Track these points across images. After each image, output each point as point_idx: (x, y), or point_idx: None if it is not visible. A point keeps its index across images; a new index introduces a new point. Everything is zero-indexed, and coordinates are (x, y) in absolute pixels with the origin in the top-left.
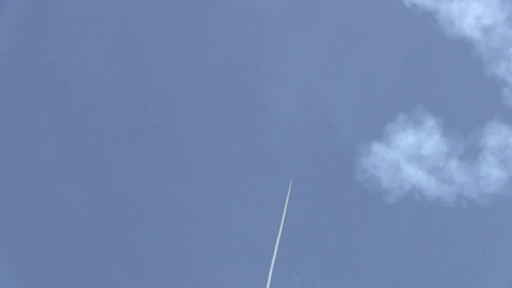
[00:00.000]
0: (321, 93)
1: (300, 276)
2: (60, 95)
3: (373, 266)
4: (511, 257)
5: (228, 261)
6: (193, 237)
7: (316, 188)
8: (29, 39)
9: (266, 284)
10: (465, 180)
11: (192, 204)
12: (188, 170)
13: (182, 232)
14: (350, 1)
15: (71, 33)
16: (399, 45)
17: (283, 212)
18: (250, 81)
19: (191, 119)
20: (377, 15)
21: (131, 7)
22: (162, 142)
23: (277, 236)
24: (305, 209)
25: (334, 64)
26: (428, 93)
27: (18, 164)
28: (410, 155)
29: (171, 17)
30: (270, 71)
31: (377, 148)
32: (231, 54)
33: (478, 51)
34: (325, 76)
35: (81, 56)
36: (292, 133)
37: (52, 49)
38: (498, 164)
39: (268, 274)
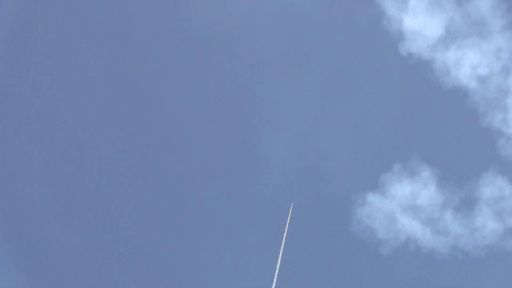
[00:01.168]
0: (317, 142)
1: None
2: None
3: None
4: None
5: None
6: (186, 285)
7: (311, 237)
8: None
9: None
10: (460, 231)
11: (184, 252)
12: (181, 217)
13: (174, 280)
14: (346, 50)
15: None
16: (394, 94)
17: (277, 261)
18: (245, 129)
19: (185, 166)
20: (373, 64)
21: (125, 47)
22: (154, 189)
23: (271, 286)
24: (300, 258)
25: (330, 113)
26: (423, 143)
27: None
28: (405, 205)
29: (167, 63)
30: (265, 119)
31: (373, 198)
32: (226, 101)
33: (473, 101)
34: (320, 125)
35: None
36: (287, 182)
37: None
38: (494, 216)
39: None
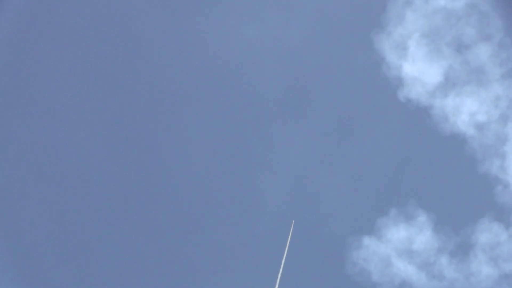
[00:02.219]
0: (314, 184)
1: None
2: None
3: None
4: None
5: None
6: None
7: (306, 278)
8: None
9: None
10: (455, 276)
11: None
12: (175, 257)
13: None
14: (345, 95)
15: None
16: (392, 139)
17: None
18: (241, 170)
19: (181, 206)
20: (372, 109)
21: (122, 91)
22: (150, 229)
23: None
24: None
25: (327, 156)
26: (420, 188)
27: None
28: (401, 249)
29: (161, 103)
30: (261, 161)
31: (368, 241)
32: (223, 142)
33: (471, 148)
34: (317, 168)
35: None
36: (283, 224)
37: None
38: (489, 261)
39: None
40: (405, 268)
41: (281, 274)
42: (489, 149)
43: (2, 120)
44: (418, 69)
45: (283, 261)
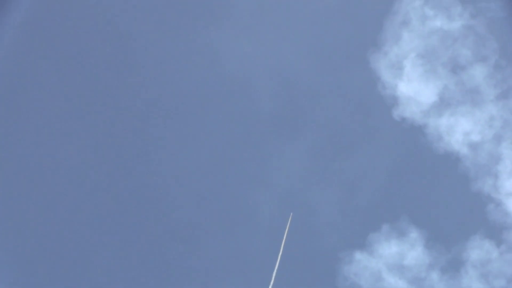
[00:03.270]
0: (306, 200)
1: None
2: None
3: None
4: None
5: None
6: None
7: None
8: None
9: None
10: None
11: None
12: (166, 268)
13: None
14: (339, 112)
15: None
16: (386, 156)
17: None
18: (234, 184)
19: (174, 219)
20: (366, 126)
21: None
22: (144, 239)
23: None
24: None
25: (320, 172)
26: (413, 206)
27: None
28: (392, 264)
29: (155, 120)
30: (254, 175)
31: (360, 256)
32: (217, 156)
33: (465, 167)
34: (311, 184)
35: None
36: (275, 238)
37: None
38: (480, 278)
39: None
40: (395, 283)
41: (272, 286)
42: (482, 168)
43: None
44: (413, 88)
45: (275, 272)
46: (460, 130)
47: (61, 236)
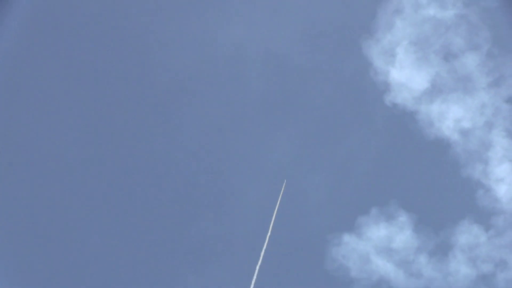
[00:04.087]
0: (297, 182)
1: None
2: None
3: None
4: None
5: None
6: None
7: (285, 272)
8: None
9: None
10: (433, 275)
11: (156, 283)
12: (155, 250)
13: None
14: (330, 97)
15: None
16: (377, 141)
17: None
18: (224, 167)
19: (163, 201)
20: (357, 111)
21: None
22: (134, 220)
23: None
24: None
25: (312, 155)
26: (402, 190)
27: None
28: (380, 247)
29: (149, 103)
30: (244, 158)
31: (348, 239)
32: (207, 139)
33: (455, 153)
34: (301, 166)
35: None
36: (263, 219)
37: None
38: (467, 262)
39: None
40: (383, 266)
41: (260, 266)
42: (472, 154)
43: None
44: (405, 75)
45: (263, 251)
46: (451, 117)
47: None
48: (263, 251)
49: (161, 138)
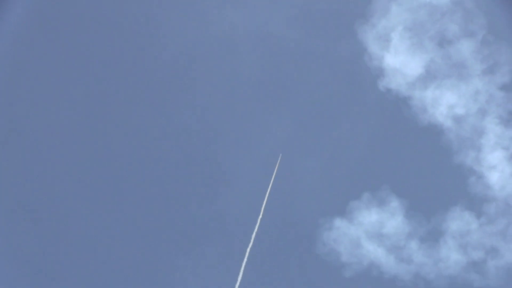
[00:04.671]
0: (289, 165)
1: None
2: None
3: None
4: None
5: None
6: None
7: (275, 255)
8: None
9: None
10: (424, 260)
11: (147, 263)
12: (147, 230)
13: None
14: (324, 81)
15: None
16: (371, 126)
17: (238, 277)
18: (217, 149)
19: (156, 182)
20: (351, 96)
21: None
22: (122, 201)
23: None
24: (262, 276)
25: (304, 139)
26: (395, 175)
27: None
28: (371, 232)
29: (143, 85)
30: (237, 141)
31: (340, 223)
32: (200, 123)
33: (448, 139)
34: (294, 150)
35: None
36: (255, 202)
37: None
38: (458, 248)
39: None
40: (374, 250)
41: (251, 249)
42: (465, 141)
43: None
44: (399, 60)
45: (254, 234)
46: (444, 103)
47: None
48: (254, 233)
49: (153, 120)
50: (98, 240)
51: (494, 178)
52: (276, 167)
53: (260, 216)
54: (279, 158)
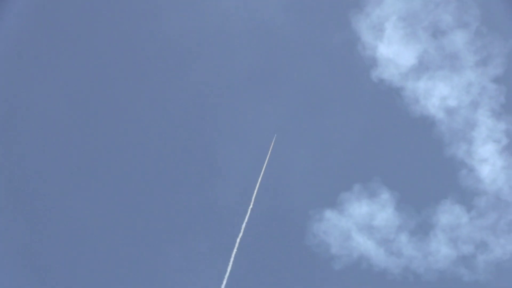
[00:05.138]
0: (280, 155)
1: None
2: None
3: None
4: None
5: None
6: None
7: (265, 245)
8: None
9: None
10: (413, 254)
11: (137, 253)
12: (139, 220)
13: (124, 280)
14: (317, 70)
15: None
16: (362, 117)
17: (228, 267)
18: (209, 138)
19: (147, 170)
20: (343, 86)
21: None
22: (113, 191)
23: None
24: (252, 266)
25: (296, 129)
26: (386, 167)
27: None
28: (361, 224)
29: (136, 70)
30: (228, 130)
31: (330, 214)
32: (192, 110)
33: (440, 131)
34: (285, 139)
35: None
36: (246, 192)
37: None
38: (448, 242)
39: None
40: (364, 243)
41: (241, 239)
42: (457, 133)
43: None
44: (393, 51)
45: (244, 224)
46: (437, 95)
47: None
48: (244, 224)
49: (144, 109)
50: (87, 231)
51: (485, 171)
52: (271, 148)
53: (251, 206)
54: (274, 138)
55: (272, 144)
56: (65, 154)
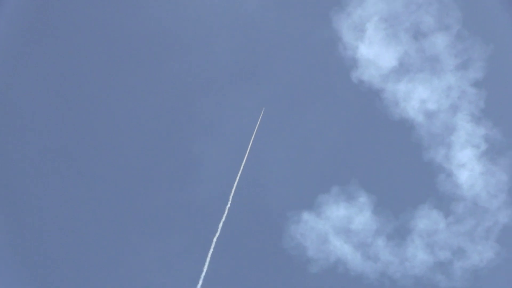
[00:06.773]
0: (258, 155)
1: None
2: None
3: None
4: None
5: None
6: (112, 283)
7: (242, 246)
8: None
9: None
10: (390, 259)
11: (114, 250)
12: (115, 217)
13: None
14: (296, 69)
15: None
16: (341, 118)
17: (204, 267)
18: (188, 135)
19: (124, 167)
20: (323, 86)
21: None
22: (91, 186)
23: None
24: (228, 266)
25: (274, 129)
26: (364, 169)
27: None
28: (339, 228)
29: (116, 64)
30: (208, 127)
31: (307, 217)
32: (171, 105)
33: (419, 135)
34: (263, 139)
35: None
36: (222, 191)
37: None
38: (425, 248)
39: None
40: (341, 247)
41: (218, 239)
42: (436, 137)
43: None
44: (373, 52)
45: (221, 224)
46: (417, 97)
47: None
48: (221, 223)
49: (122, 103)
50: (63, 226)
51: (463, 176)
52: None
53: (228, 205)
54: (262, 111)
55: (260, 117)
56: (44, 150)
